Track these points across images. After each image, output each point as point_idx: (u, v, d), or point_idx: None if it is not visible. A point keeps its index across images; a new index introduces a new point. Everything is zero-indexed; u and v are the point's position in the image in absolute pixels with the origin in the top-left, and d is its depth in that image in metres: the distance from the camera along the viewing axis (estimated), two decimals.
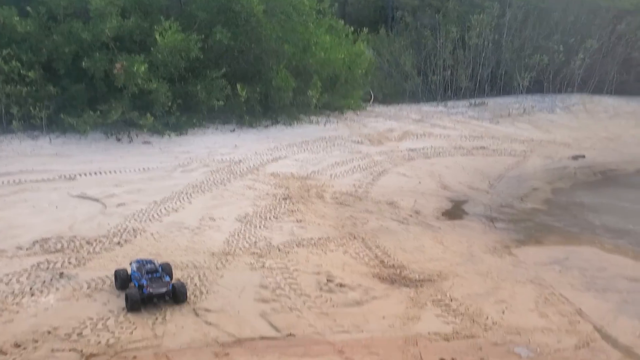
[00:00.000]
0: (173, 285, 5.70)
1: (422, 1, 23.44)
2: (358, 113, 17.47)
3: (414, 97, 21.15)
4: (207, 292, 6.03)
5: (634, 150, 16.60)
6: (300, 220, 8.61)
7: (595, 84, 22.37)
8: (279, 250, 7.39)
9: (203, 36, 13.82)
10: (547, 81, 22.00)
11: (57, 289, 5.88)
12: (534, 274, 7.35)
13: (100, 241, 7.29)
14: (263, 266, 6.81)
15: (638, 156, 15.99)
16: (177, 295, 5.68)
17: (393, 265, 7.28)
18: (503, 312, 6.18)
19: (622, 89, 22.73)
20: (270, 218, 8.61)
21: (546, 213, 10.70)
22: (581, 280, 7.26)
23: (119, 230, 7.69)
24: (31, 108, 12.39)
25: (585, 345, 5.59)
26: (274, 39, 15.08)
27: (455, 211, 10.38)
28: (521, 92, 21.48)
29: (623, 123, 19.85)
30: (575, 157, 15.10)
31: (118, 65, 12.52)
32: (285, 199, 9.61)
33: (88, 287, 5.97)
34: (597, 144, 17.02)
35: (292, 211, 9.02)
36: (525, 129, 17.79)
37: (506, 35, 21.51)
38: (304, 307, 5.92)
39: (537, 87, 22.00)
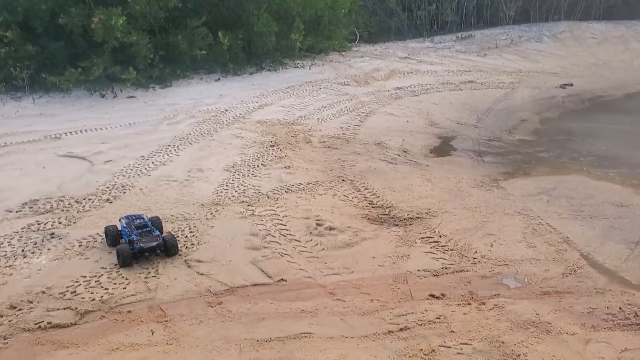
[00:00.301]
0: (163, 239, 5.73)
1: None
2: (343, 54, 17.23)
3: (400, 34, 20.83)
4: (198, 244, 6.07)
5: (622, 75, 16.55)
6: (289, 167, 8.60)
7: (582, 9, 22.03)
8: (268, 197, 7.41)
9: None
10: (534, 10, 21.65)
11: (49, 249, 5.91)
12: (522, 205, 7.43)
13: (89, 199, 7.29)
14: (253, 214, 6.84)
15: (626, 81, 15.97)
16: (168, 248, 5.73)
17: (382, 206, 7.33)
18: (491, 245, 6.27)
19: (610, 14, 22.43)
20: (258, 166, 8.60)
21: (534, 144, 10.73)
22: (568, 209, 7.34)
23: (108, 187, 7.67)
24: (12, 69, 12.11)
25: (572, 272, 5.71)
26: None
27: (443, 148, 10.40)
28: (508, 23, 21.19)
29: (611, 48, 19.69)
30: (563, 86, 15.06)
31: (95, 20, 12.17)
32: (272, 145, 9.57)
33: (79, 246, 6.00)
34: (585, 71, 16.94)
35: (280, 157, 9.00)
36: (512, 60, 17.64)
37: None
38: (294, 252, 5.98)
39: (523, 16, 21.68)
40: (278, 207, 7.09)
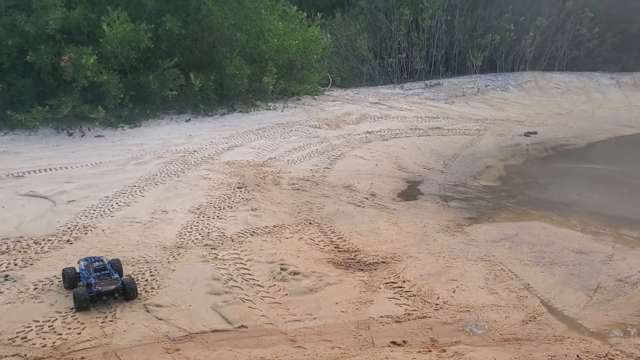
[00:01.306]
0: (122, 282, 5.62)
1: None
2: (316, 98, 17.45)
3: (372, 80, 21.26)
4: (158, 287, 5.96)
5: (584, 125, 17.08)
6: (255, 209, 8.57)
7: (546, 60, 22.84)
8: (233, 240, 7.35)
9: (153, 25, 13.51)
10: (500, 60, 22.37)
11: (1, 292, 5.72)
12: (485, 251, 7.50)
13: (49, 240, 7.13)
14: (216, 258, 6.77)
15: (588, 130, 16.48)
16: (127, 292, 5.61)
17: (348, 250, 7.33)
18: (454, 291, 6.29)
19: (572, 65, 23.28)
20: (224, 208, 8.55)
21: (498, 190, 10.92)
22: (530, 255, 7.44)
23: (69, 228, 7.53)
24: None
25: (532, 319, 5.75)
26: (227, 27, 14.88)
27: (410, 192, 10.51)
28: (475, 72, 21.80)
29: (574, 98, 20.37)
30: (528, 134, 15.45)
31: (65, 58, 12.16)
32: (240, 187, 9.55)
33: (35, 289, 5.83)
34: (549, 120, 17.43)
35: (247, 200, 8.97)
36: (479, 108, 18.08)
37: (458, 16, 21.71)
38: (256, 297, 5.91)
39: (490, 66, 22.36)
40: (242, 251, 7.03)
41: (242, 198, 9.05)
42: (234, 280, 6.23)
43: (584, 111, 19.06)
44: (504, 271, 6.88)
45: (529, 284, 6.54)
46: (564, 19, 22.52)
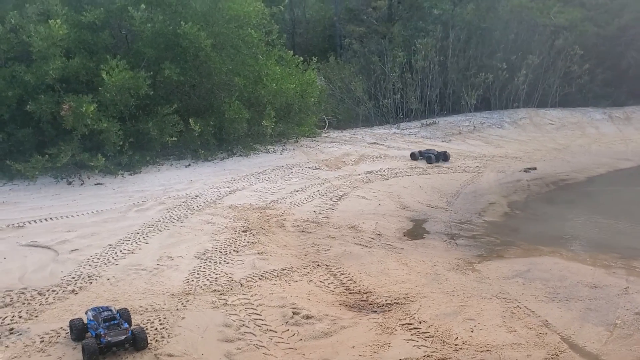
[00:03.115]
0: (132, 332, 5.44)
1: (368, 28, 23.89)
2: (314, 140, 17.53)
3: (367, 121, 21.41)
4: (168, 336, 5.78)
5: (582, 159, 17.15)
6: (262, 252, 8.45)
7: (539, 97, 23.13)
8: (241, 285, 7.20)
9: (152, 73, 13.65)
10: (494, 98, 22.62)
11: (7, 347, 5.53)
12: (499, 288, 7.37)
13: (53, 291, 6.95)
14: (225, 304, 6.60)
15: (586, 165, 16.53)
16: (137, 342, 5.43)
17: (359, 292, 7.19)
18: (472, 331, 6.14)
19: (565, 101, 23.57)
20: (230, 252, 8.42)
21: (505, 226, 10.85)
22: (544, 291, 7.31)
23: (73, 278, 7.36)
24: None
25: (555, 357, 5.60)
26: (225, 72, 15.05)
27: (416, 230, 10.42)
28: (470, 110, 22.01)
29: (569, 134, 20.53)
30: (527, 170, 15.47)
31: (65, 107, 12.20)
32: (245, 231, 9.44)
33: (41, 341, 5.64)
34: (546, 155, 17.51)
35: (253, 243, 8.85)
36: (476, 146, 18.17)
37: (451, 57, 22.07)
38: (270, 343, 5.74)
39: (484, 104, 22.59)
40: (252, 296, 6.87)
41: (248, 242, 8.93)
42: (246, 326, 6.06)
43: (580, 146, 19.18)
44: (520, 308, 6.74)
45: (547, 321, 6.39)
46: (554, 57, 22.93)
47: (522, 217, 11.59)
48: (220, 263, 7.97)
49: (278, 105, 16.26)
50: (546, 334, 6.11)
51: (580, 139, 20.04)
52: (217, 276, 7.47)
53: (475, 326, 6.25)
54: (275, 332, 5.98)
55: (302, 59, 18.31)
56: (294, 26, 26.80)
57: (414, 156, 15.77)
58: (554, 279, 7.72)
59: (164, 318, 6.18)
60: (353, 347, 5.73)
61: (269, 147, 16.03)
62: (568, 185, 14.46)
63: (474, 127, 20.34)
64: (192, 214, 10.37)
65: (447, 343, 5.83)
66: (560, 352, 5.73)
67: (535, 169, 15.62)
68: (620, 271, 8.04)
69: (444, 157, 15.75)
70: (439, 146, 17.48)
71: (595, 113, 22.80)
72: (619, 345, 5.90)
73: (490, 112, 22.13)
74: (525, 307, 6.78)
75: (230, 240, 8.95)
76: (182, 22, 13.81)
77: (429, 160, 15.48)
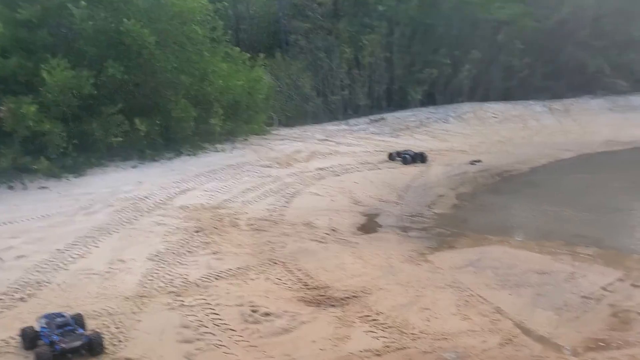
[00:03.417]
0: (88, 337, 5.28)
1: (313, 24, 23.85)
2: (263, 137, 17.42)
3: (317, 118, 21.42)
4: (125, 340, 5.65)
5: (525, 151, 17.72)
6: (217, 252, 8.36)
7: (482, 92, 23.72)
8: (197, 285, 7.10)
9: (95, 72, 13.24)
10: (439, 93, 23.06)
11: None
12: (451, 278, 7.55)
13: (0, 300, 6.67)
14: (182, 305, 6.50)
15: (530, 156, 17.08)
16: (93, 347, 5.28)
17: (317, 287, 7.21)
18: (428, 320, 6.27)
19: (507, 95, 24.25)
20: (184, 253, 8.28)
21: (454, 218, 11.10)
22: (495, 279, 7.53)
23: (21, 285, 7.07)
24: None
25: (509, 341, 5.78)
26: (170, 70, 14.74)
27: (369, 225, 10.53)
28: (416, 106, 22.35)
29: (512, 126, 21.17)
30: (473, 163, 15.86)
31: (4, 108, 11.70)
32: (197, 231, 9.31)
33: None
34: (491, 148, 18.00)
35: (207, 243, 8.74)
36: (423, 140, 18.50)
37: (397, 53, 22.35)
38: (230, 342, 5.69)
39: (430, 99, 22.99)
40: (209, 296, 6.79)
41: (201, 242, 8.82)
42: (205, 327, 5.99)
43: (523, 138, 19.83)
44: (473, 296, 6.92)
45: (499, 307, 6.59)
46: (496, 51, 23.57)
47: (471, 208, 11.89)
48: (174, 264, 7.84)
49: (226, 103, 16.08)
50: (499, 320, 6.30)
51: (522, 131, 20.71)
52: (172, 278, 7.35)
53: (431, 315, 6.38)
54: (235, 330, 5.94)
55: (248, 55, 18.16)
56: (238, 22, 26.50)
57: (391, 157, 15.59)
58: (504, 267, 7.96)
59: (120, 322, 6.04)
60: (313, 341, 5.75)
61: (218, 145, 15.81)
62: (512, 176, 14.92)
63: (421, 122, 20.70)
64: (142, 215, 10.13)
65: (405, 333, 5.94)
66: (514, 337, 5.92)
67: (480, 161, 16.04)
68: (566, 257, 8.36)
69: (421, 158, 15.51)
70: (387, 141, 17.73)
71: (536, 106, 23.60)
72: (568, 328, 6.15)
73: (435, 107, 22.55)
74: (478, 295, 6.97)
75: (183, 241, 8.81)
76: (124, 19, 13.45)
77: (404, 161, 15.23)
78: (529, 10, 24.57)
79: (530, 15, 24.37)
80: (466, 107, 22.47)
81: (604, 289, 7.10)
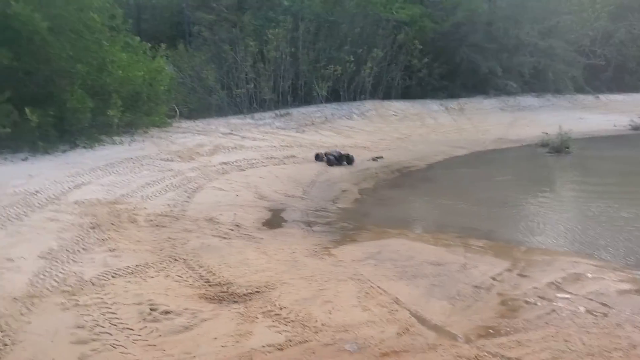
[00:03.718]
0: None
1: (218, 16, 23.56)
2: (164, 130, 16.96)
3: (221, 111, 21.18)
4: (12, 344, 5.30)
5: (422, 148, 18.52)
6: (114, 249, 8.04)
7: (384, 90, 24.52)
8: (93, 284, 6.80)
9: None
10: (343, 90, 23.56)
11: None
12: (353, 270, 7.73)
13: None
14: (77, 304, 6.20)
15: (427, 153, 17.88)
16: None
17: (219, 283, 7.13)
18: (330, 312, 6.38)
19: (407, 94, 25.26)
20: (79, 251, 7.90)
21: (356, 212, 11.38)
22: (394, 270, 7.80)
23: None
24: None
25: (406, 331, 6.00)
26: (65, 59, 13.98)
27: (274, 220, 10.55)
28: (321, 102, 22.70)
29: (411, 124, 22.05)
30: (375, 159, 16.35)
31: None
32: (93, 227, 8.91)
33: None
34: (391, 144, 18.64)
35: (104, 240, 8.39)
36: (328, 136, 18.82)
37: (302, 48, 22.55)
38: (128, 341, 5.50)
39: (334, 95, 23.45)
40: (105, 294, 6.52)
41: (98, 239, 8.45)
42: (101, 326, 5.75)
43: (421, 135, 20.68)
44: (373, 288, 7.13)
45: (397, 298, 6.84)
46: (397, 51, 24.40)
47: (372, 202, 12.25)
48: (68, 262, 7.45)
49: (125, 94, 15.50)
50: (397, 310, 6.53)
51: (420, 129, 21.60)
52: (66, 276, 6.98)
53: (333, 308, 6.50)
54: (133, 329, 5.75)
55: (149, 45, 17.61)
56: (139, 11, 25.63)
57: (318, 157, 15.42)
58: (402, 258, 8.26)
59: (7, 324, 5.65)
60: (215, 338, 5.69)
61: (116, 138, 15.21)
62: (411, 172, 15.54)
63: (326, 118, 21.03)
64: (33, 211, 9.54)
65: (307, 326, 6.01)
66: (410, 326, 6.16)
67: (382, 157, 16.57)
68: (459, 249, 8.80)
69: (347, 159, 15.39)
70: (292, 136, 17.84)
71: (433, 104, 24.70)
72: (460, 316, 6.48)
73: (340, 104, 23.01)
74: (378, 286, 7.18)
75: (78, 238, 8.40)
76: (12, 2, 12.57)
77: (328, 162, 15.09)
78: (427, 12, 25.67)
79: (428, 16, 25.49)
80: (369, 105, 23.10)
81: (493, 278, 7.51)
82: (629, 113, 26.46)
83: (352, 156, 15.58)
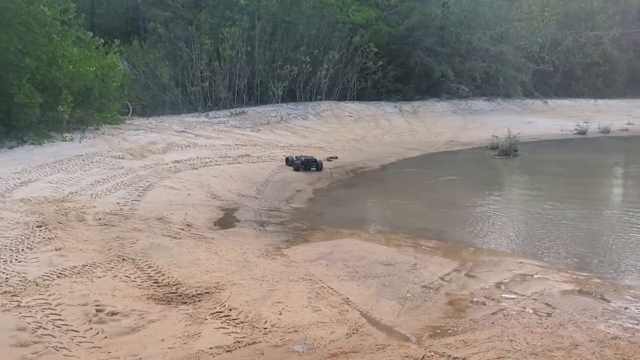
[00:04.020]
0: None
1: (173, 13, 23.27)
2: (117, 127, 16.62)
3: (175, 109, 20.92)
4: None
5: (377, 149, 18.75)
6: (60, 248, 7.83)
7: (339, 91, 24.70)
8: (37, 284, 6.60)
9: None
10: (299, 90, 23.62)
11: None
12: (305, 271, 7.76)
13: None
14: (19, 305, 6.01)
15: (380, 154, 18.11)
16: None
17: (168, 284, 7.04)
18: (280, 313, 6.39)
19: (362, 95, 25.53)
20: (23, 250, 7.65)
21: (310, 212, 11.43)
22: (345, 270, 7.86)
23: None
24: None
25: (355, 331, 6.06)
26: (13, 52, 13.54)
27: (227, 219, 10.49)
28: (277, 101, 22.70)
29: (366, 125, 22.26)
30: (330, 159, 16.45)
31: None
32: (39, 226, 8.65)
33: None
34: (346, 145, 18.78)
35: (50, 239, 8.15)
36: (283, 136, 18.81)
37: (258, 47, 22.48)
38: (72, 344, 5.37)
39: (290, 95, 23.49)
40: (50, 295, 6.34)
41: (43, 238, 8.21)
42: (44, 328, 5.59)
43: (375, 137, 20.92)
44: (324, 288, 7.17)
45: (348, 298, 6.89)
46: (352, 53, 24.60)
47: (326, 202, 12.33)
48: (10, 262, 7.21)
49: (76, 90, 15.12)
50: (347, 310, 6.58)
51: (375, 130, 21.84)
52: (8, 276, 6.76)
53: (283, 308, 6.50)
54: (77, 331, 5.61)
55: (102, 41, 17.22)
56: (93, 6, 25.05)
57: (288, 161, 15.10)
58: (354, 259, 8.34)
59: None
60: (162, 340, 5.61)
61: (66, 134, 14.82)
62: (365, 173, 15.72)
63: (281, 117, 21.01)
64: None
65: (256, 327, 5.99)
66: (360, 326, 6.22)
67: (336, 158, 16.69)
68: (410, 249, 8.95)
69: (315, 165, 14.87)
70: (247, 135, 17.75)
71: (388, 106, 25.01)
72: (409, 316, 6.58)
73: (296, 104, 23.05)
74: (329, 287, 7.23)
75: (23, 237, 8.14)
76: None
77: (295, 168, 14.62)
78: (383, 15, 25.99)
79: (383, 20, 25.81)
80: (324, 105, 23.21)
81: (442, 279, 7.67)
82: (575, 118, 27.51)
83: (320, 162, 15.11)
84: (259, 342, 5.73)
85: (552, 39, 34.86)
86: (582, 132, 25.11)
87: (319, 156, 16.56)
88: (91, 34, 17.31)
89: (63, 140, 14.48)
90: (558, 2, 35.22)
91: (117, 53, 17.77)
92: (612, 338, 5.75)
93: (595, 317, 6.28)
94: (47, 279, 6.79)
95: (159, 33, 22.39)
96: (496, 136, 19.57)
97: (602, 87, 38.08)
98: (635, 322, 6.20)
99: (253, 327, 6.02)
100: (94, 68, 15.66)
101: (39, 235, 8.29)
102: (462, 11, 29.10)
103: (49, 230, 8.51)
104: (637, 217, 11.16)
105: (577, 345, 5.62)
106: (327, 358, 5.50)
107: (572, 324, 6.11)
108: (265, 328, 6.02)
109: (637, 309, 6.60)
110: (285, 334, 5.94)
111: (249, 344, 5.67)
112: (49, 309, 6.03)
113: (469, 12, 29.09)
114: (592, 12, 37.23)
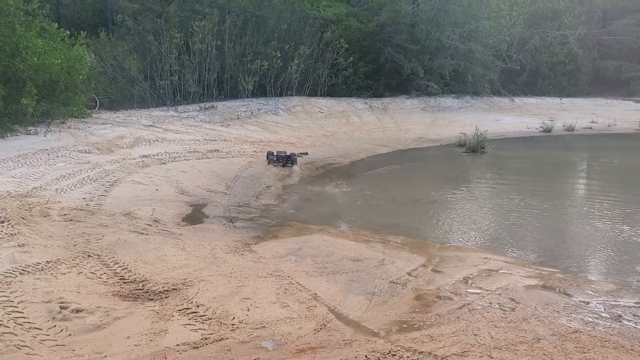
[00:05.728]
0: None
1: (142, 5, 22.93)
2: (83, 121, 16.32)
3: (143, 102, 20.63)
4: None
5: (347, 145, 18.81)
6: (23, 244, 7.66)
7: (310, 87, 24.68)
8: None
9: None
10: (270, 85, 23.52)
11: None
12: (274, 267, 7.76)
13: None
14: None
15: (350, 150, 18.18)
16: None
17: (135, 280, 6.96)
18: (248, 310, 6.38)
19: (332, 91, 25.56)
20: None
21: (279, 208, 11.42)
22: (314, 266, 7.89)
23: None
24: None
25: (323, 327, 6.09)
26: None
27: (195, 215, 10.41)
28: (247, 96, 22.56)
29: (336, 121, 22.30)
30: (300, 155, 16.43)
31: None
32: (2, 222, 8.45)
33: None
34: (316, 141, 18.79)
35: (12, 235, 7.97)
36: (254, 131, 18.72)
37: (228, 42, 22.30)
38: (34, 342, 5.27)
39: (261, 90, 23.37)
40: (11, 292, 6.21)
41: (6, 233, 8.02)
42: (5, 326, 5.47)
43: (345, 133, 20.98)
44: (293, 284, 7.19)
45: (316, 294, 6.92)
46: (323, 49, 24.60)
47: (295, 198, 12.32)
48: None
49: (41, 82, 14.79)
50: (315, 306, 6.61)
51: (345, 126, 21.90)
52: None
53: (251, 305, 6.50)
54: (40, 329, 5.51)
55: (68, 32, 16.86)
56: None
57: (268, 156, 15.17)
58: (323, 254, 8.37)
59: None
60: (128, 337, 5.55)
61: (30, 128, 14.49)
62: (335, 169, 15.76)
63: (252, 112, 20.90)
64: None
65: (224, 324, 5.97)
66: (328, 322, 6.25)
67: (307, 154, 16.67)
68: (378, 245, 9.02)
69: (291, 160, 15.07)
70: (217, 130, 17.61)
71: (358, 103, 25.10)
72: (377, 311, 6.64)
73: (266, 99, 22.95)
74: (297, 282, 7.25)
75: None
76: None
77: (271, 161, 14.83)
78: (354, 11, 26.07)
79: (354, 16, 25.88)
80: (295, 101, 23.17)
81: (409, 274, 7.75)
82: (541, 116, 28.06)
83: (295, 157, 15.36)
84: (227, 338, 5.72)
85: (519, 38, 35.48)
86: (548, 130, 25.63)
87: (289, 152, 16.54)
88: (56, 25, 16.91)
89: (27, 134, 14.16)
90: (526, 1, 35.88)
91: (83, 45, 17.42)
92: (573, 332, 5.91)
93: (558, 312, 6.44)
94: (9, 276, 6.65)
95: (127, 25, 22.03)
96: (464, 133, 19.85)
97: (567, 85, 38.94)
98: (596, 316, 6.39)
99: (220, 323, 6.00)
100: (60, 60, 15.32)
101: (1, 231, 8.10)
102: (432, 9, 29.37)
103: (12, 226, 8.32)
104: (599, 212, 11.46)
105: (540, 339, 5.75)
106: (295, 354, 5.52)
107: (535, 318, 6.25)
108: (233, 324, 6.01)
109: (597, 303, 6.79)
110: (253, 330, 5.93)
111: (216, 341, 5.65)
112: (11, 306, 5.90)
113: (439, 9, 29.36)
114: (559, 11, 38.04)
